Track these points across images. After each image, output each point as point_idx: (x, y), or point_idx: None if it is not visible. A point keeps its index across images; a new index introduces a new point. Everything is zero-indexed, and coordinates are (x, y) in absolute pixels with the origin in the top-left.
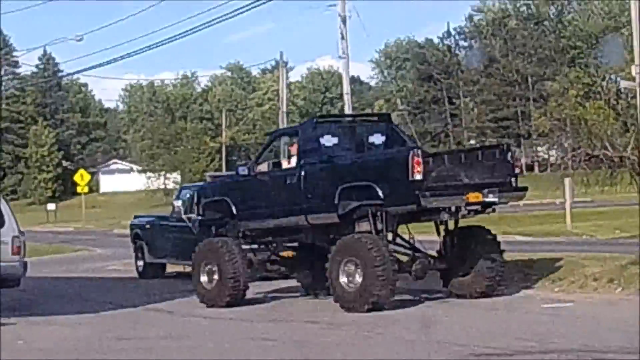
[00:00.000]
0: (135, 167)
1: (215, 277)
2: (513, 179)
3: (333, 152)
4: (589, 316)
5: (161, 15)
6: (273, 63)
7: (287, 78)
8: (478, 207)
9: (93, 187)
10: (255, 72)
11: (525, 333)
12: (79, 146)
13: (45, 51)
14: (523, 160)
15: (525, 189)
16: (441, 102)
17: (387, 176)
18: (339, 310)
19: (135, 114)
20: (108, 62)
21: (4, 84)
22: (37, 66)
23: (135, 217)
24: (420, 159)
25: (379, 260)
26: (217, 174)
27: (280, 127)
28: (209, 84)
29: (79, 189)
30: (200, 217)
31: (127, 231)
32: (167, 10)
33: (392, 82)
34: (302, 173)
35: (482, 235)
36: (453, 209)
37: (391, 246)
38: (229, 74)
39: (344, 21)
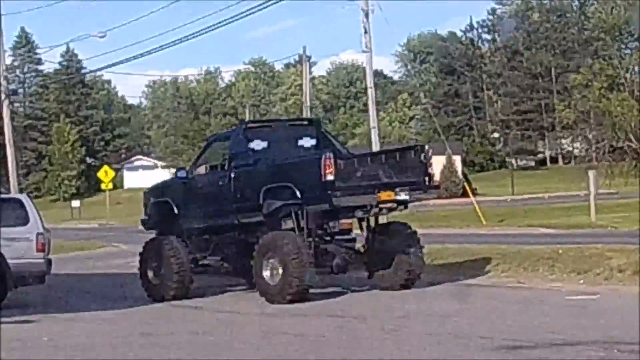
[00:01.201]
0: (159, 163)
1: (162, 272)
2: (427, 178)
3: (262, 155)
4: (614, 308)
5: (184, 11)
6: (296, 58)
7: (311, 73)
8: (393, 205)
9: (117, 184)
10: (278, 67)
11: (550, 325)
12: (102, 143)
13: (68, 48)
14: (547, 153)
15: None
16: (465, 96)
17: (303, 178)
18: (354, 303)
19: (159, 110)
20: (130, 59)
21: (27, 81)
22: (60, 63)
23: None
24: (331, 162)
25: (295, 255)
26: None
27: None
28: (233, 79)
29: (103, 186)
30: (146, 217)
31: None
32: (190, 6)
33: (415, 75)
34: (232, 175)
35: (402, 230)
36: (367, 207)
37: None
38: (252, 69)
39: (366, 15)
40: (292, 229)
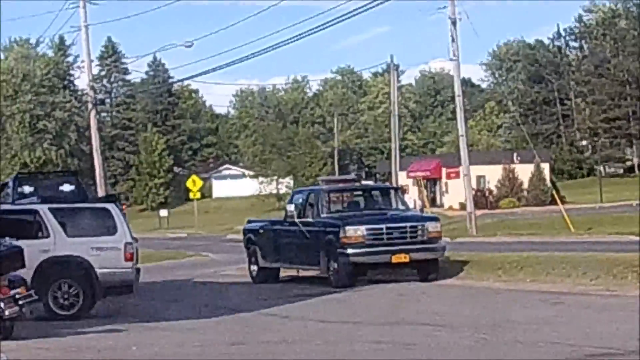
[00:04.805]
0: (247, 172)
1: None
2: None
3: (28, 197)
4: None
5: (271, 20)
6: (384, 66)
7: (399, 81)
8: None
9: (205, 193)
10: (366, 75)
11: None
12: (190, 152)
13: (155, 58)
14: (635, 160)
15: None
16: (552, 103)
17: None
18: (442, 312)
19: (247, 119)
20: (217, 68)
21: (114, 91)
22: (146, 73)
23: (249, 222)
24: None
25: None
26: (330, 177)
27: (392, 130)
28: (320, 88)
29: (191, 195)
30: None
31: (240, 236)
32: (277, 15)
33: (503, 83)
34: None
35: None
36: None
37: None
38: (339, 77)
39: (454, 23)
40: None
